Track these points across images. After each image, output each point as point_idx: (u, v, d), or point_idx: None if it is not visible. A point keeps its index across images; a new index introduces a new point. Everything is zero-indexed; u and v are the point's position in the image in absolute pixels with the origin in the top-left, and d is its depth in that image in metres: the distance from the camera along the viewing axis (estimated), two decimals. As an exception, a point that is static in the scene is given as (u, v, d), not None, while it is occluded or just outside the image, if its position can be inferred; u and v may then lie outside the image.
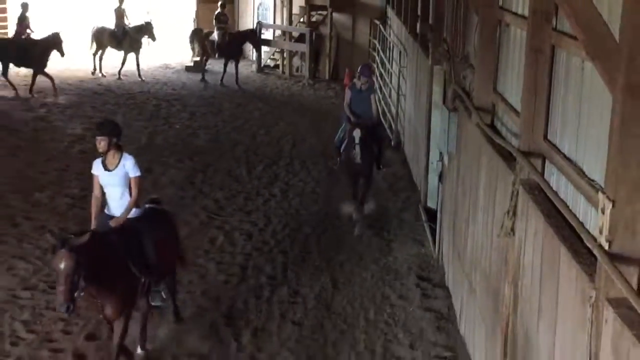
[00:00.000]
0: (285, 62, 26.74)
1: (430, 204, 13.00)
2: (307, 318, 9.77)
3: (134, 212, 8.32)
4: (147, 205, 8.91)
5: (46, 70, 21.04)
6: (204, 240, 12.09)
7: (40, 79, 20.92)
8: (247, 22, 28.29)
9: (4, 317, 9.33)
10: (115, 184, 8.22)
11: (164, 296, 8.67)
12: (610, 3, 4.90)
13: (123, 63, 23.87)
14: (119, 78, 23.72)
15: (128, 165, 8.18)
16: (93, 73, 23.99)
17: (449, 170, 10.71)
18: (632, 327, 4.07)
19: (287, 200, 14.14)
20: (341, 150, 12.71)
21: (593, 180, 5.17)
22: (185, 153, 16.74)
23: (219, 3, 25.12)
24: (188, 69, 26.29)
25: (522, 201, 6.46)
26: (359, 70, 12.95)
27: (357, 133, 12.01)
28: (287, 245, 12.07)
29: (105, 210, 8.38)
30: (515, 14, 7.70)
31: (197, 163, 16.05)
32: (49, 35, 21.29)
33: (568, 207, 5.53)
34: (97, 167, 8.26)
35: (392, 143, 17.87)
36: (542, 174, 6.36)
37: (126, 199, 8.28)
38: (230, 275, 10.89)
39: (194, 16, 29.69)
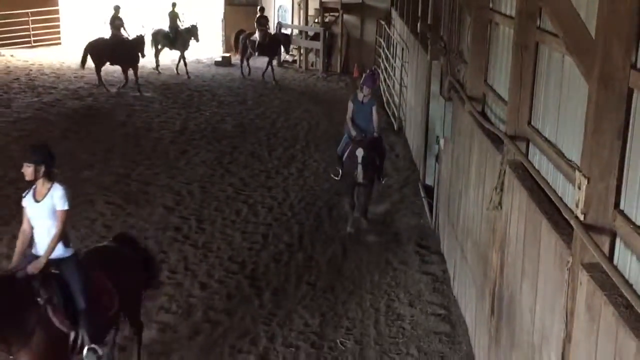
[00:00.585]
0: (302, 58, 26.67)
1: (428, 181, 12.98)
2: (320, 280, 9.79)
3: (63, 253, 6.46)
4: (103, 244, 7.32)
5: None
6: (231, 212, 12.11)
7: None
8: (269, 23, 28.18)
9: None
10: (41, 216, 6.40)
11: (101, 353, 6.50)
12: (588, 4, 4.86)
13: (183, 61, 23.51)
14: (184, 74, 23.48)
15: (56, 197, 6.33)
16: (156, 69, 23.68)
17: (445, 152, 10.69)
18: (603, 288, 4.08)
19: (302, 177, 14.13)
20: (343, 160, 11.27)
21: (571, 160, 5.15)
22: (214, 137, 16.73)
23: (258, 7, 25.06)
24: (217, 63, 26.27)
25: (508, 178, 6.45)
26: (362, 81, 11.38)
27: (360, 152, 10.67)
28: (303, 216, 12.08)
29: (32, 250, 6.53)
30: (504, 14, 7.66)
31: (224, 145, 16.04)
32: (135, 37, 21.03)
33: (548, 183, 5.52)
34: (26, 198, 6.48)
35: (395, 128, 17.88)
36: (526, 154, 6.35)
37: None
38: (253, 243, 10.92)
39: (222, 17, 29.57)
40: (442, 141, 10.75)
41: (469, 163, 8.53)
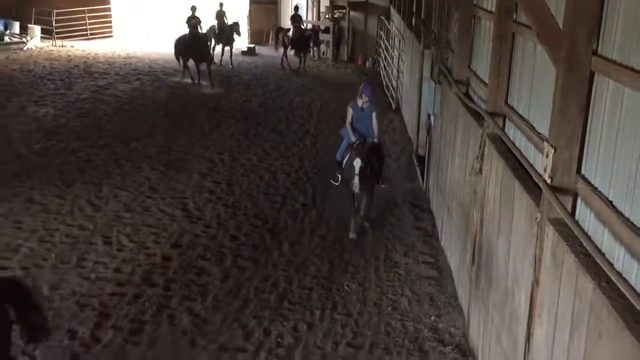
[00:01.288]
0: (315, 48, 26.48)
1: (421, 151, 12.93)
2: (329, 233, 9.83)
3: None
4: None
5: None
6: (256, 177, 12.13)
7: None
8: (287, 18, 27.92)
9: (112, 231, 9.50)
10: None
11: None
12: (557, 0, 4.80)
13: (230, 52, 23.21)
14: (227, 64, 23.00)
15: None
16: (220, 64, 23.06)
17: (435, 127, 10.64)
18: (566, 239, 4.09)
19: (315, 148, 14.11)
20: (343, 167, 9.75)
21: (540, 133, 5.13)
22: (241, 114, 16.70)
23: (293, 6, 24.86)
24: (243, 53, 26.11)
25: (488, 149, 6.43)
26: (361, 89, 9.64)
27: (357, 163, 9.05)
28: (316, 181, 12.09)
29: None
30: (486, 10, 7.57)
31: (250, 121, 16.01)
32: (203, 34, 20.40)
33: (521, 152, 5.51)
34: None
35: (393, 107, 17.79)
36: (503, 129, 6.32)
37: None
38: (274, 203, 10.95)
39: (248, 14, 29.30)
40: (432, 118, 10.70)
41: (455, 136, 8.49)
